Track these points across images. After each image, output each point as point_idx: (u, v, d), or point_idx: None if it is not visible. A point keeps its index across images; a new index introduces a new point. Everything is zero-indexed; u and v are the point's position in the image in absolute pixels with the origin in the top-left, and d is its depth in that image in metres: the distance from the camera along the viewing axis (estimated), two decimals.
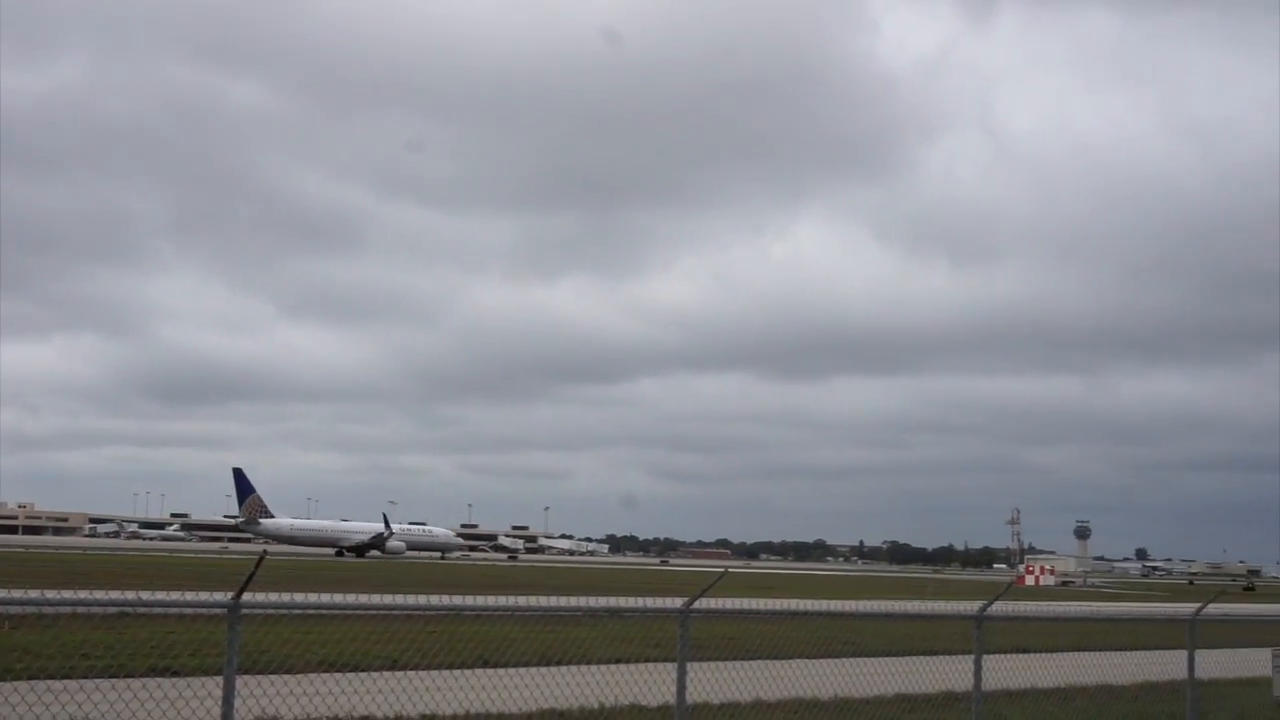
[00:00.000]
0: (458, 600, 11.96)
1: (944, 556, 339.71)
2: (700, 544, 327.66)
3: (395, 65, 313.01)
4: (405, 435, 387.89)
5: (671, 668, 11.52)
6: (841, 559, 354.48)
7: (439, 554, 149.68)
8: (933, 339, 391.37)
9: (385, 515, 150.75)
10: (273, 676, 15.33)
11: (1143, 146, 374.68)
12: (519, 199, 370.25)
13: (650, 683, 16.18)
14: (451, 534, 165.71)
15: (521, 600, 35.54)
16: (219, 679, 10.43)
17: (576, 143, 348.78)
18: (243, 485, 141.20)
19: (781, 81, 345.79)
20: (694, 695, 13.20)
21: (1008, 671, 17.05)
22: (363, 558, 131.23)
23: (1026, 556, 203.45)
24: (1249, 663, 21.41)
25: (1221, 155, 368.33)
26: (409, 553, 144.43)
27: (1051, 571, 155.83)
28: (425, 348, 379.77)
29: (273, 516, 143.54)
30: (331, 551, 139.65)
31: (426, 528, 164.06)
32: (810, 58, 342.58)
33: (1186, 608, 18.45)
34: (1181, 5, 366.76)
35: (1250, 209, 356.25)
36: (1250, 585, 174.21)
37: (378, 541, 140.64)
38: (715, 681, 15.81)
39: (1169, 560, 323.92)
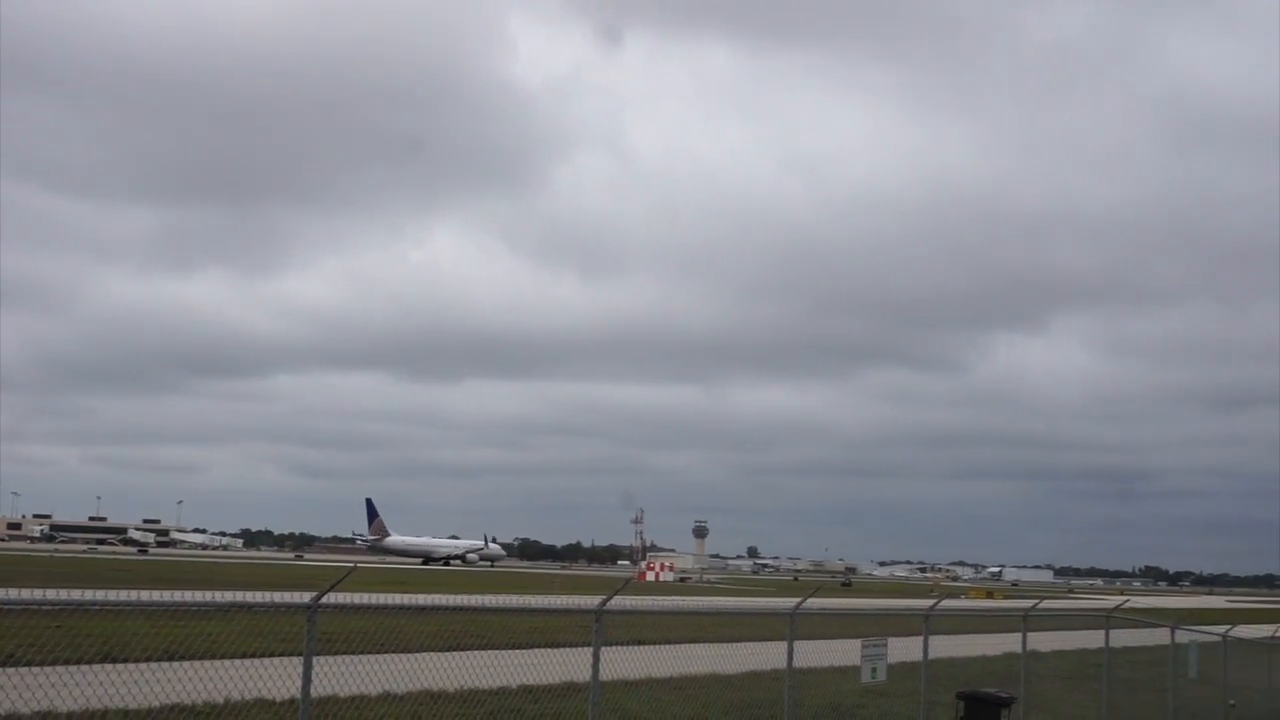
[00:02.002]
0: (88, 595, 11.28)
1: (572, 553, 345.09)
2: (336, 539, 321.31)
3: (29, 49, 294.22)
4: (29, 425, 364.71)
5: (299, 662, 11.22)
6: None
7: None
8: (562, 346, 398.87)
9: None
10: None
11: (755, 174, 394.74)
12: (157, 190, 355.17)
13: (278, 677, 15.74)
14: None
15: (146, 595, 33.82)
16: None
17: (218, 137, 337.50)
18: (371, 511, 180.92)
19: (425, 91, 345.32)
20: (322, 689, 12.92)
21: (626, 662, 17.47)
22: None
23: (648, 554, 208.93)
24: (842, 652, 22.68)
25: (823, 186, 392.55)
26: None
27: (671, 568, 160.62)
28: (53, 336, 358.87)
29: (383, 536, 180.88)
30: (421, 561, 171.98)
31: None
32: (452, 70, 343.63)
33: (788, 602, 19.37)
34: (792, 47, 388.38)
35: (847, 237, 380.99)
36: (847, 582, 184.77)
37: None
38: (344, 675, 15.52)
39: (777, 558, 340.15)
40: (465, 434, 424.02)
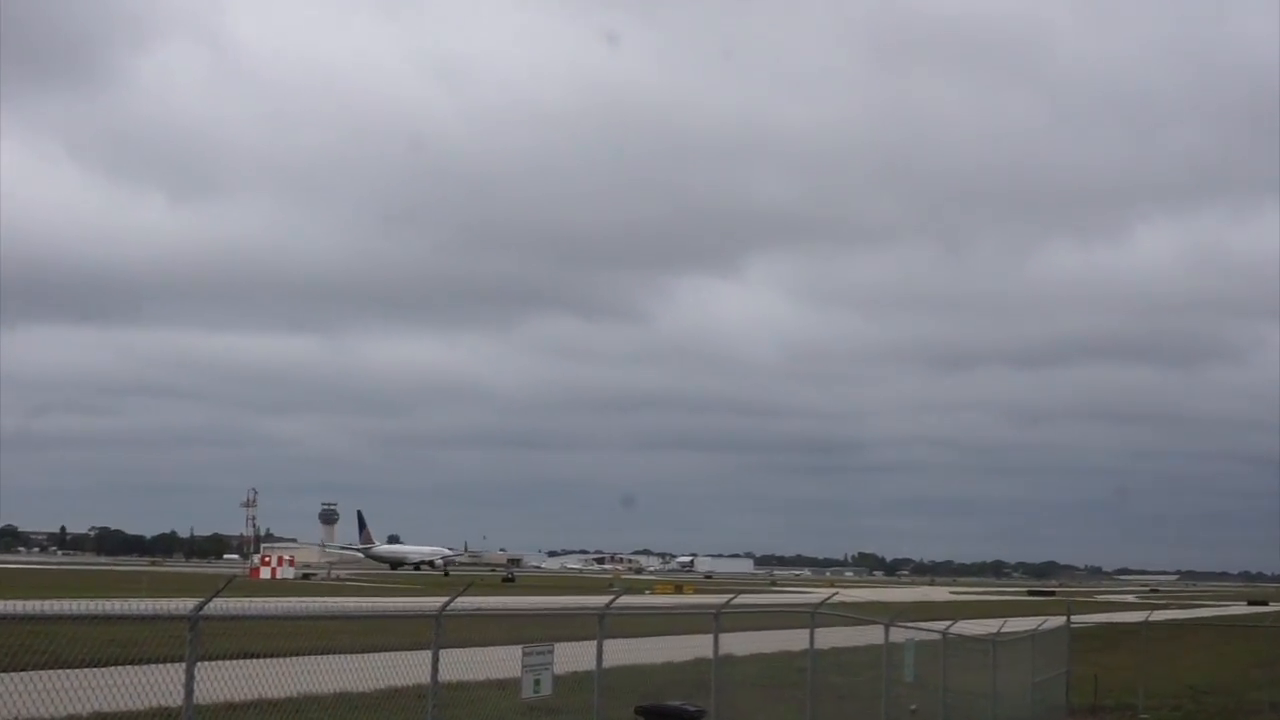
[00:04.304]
0: None
1: (166, 545, 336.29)
2: None
3: None
4: None
5: None
6: (39, 549, 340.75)
7: None
8: (147, 284, 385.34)
9: None
10: None
11: (390, 79, 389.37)
12: None
13: None
14: None
15: None
16: None
17: None
18: (362, 522, 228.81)
19: None
20: None
21: (231, 680, 17.18)
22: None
23: (263, 545, 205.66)
24: (501, 662, 22.91)
25: (474, 95, 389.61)
26: None
27: (292, 562, 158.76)
28: None
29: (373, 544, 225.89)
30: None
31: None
32: None
33: (434, 601, 19.42)
34: None
35: (504, 157, 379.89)
36: (510, 576, 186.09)
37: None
38: None
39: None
40: (18, 395, 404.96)
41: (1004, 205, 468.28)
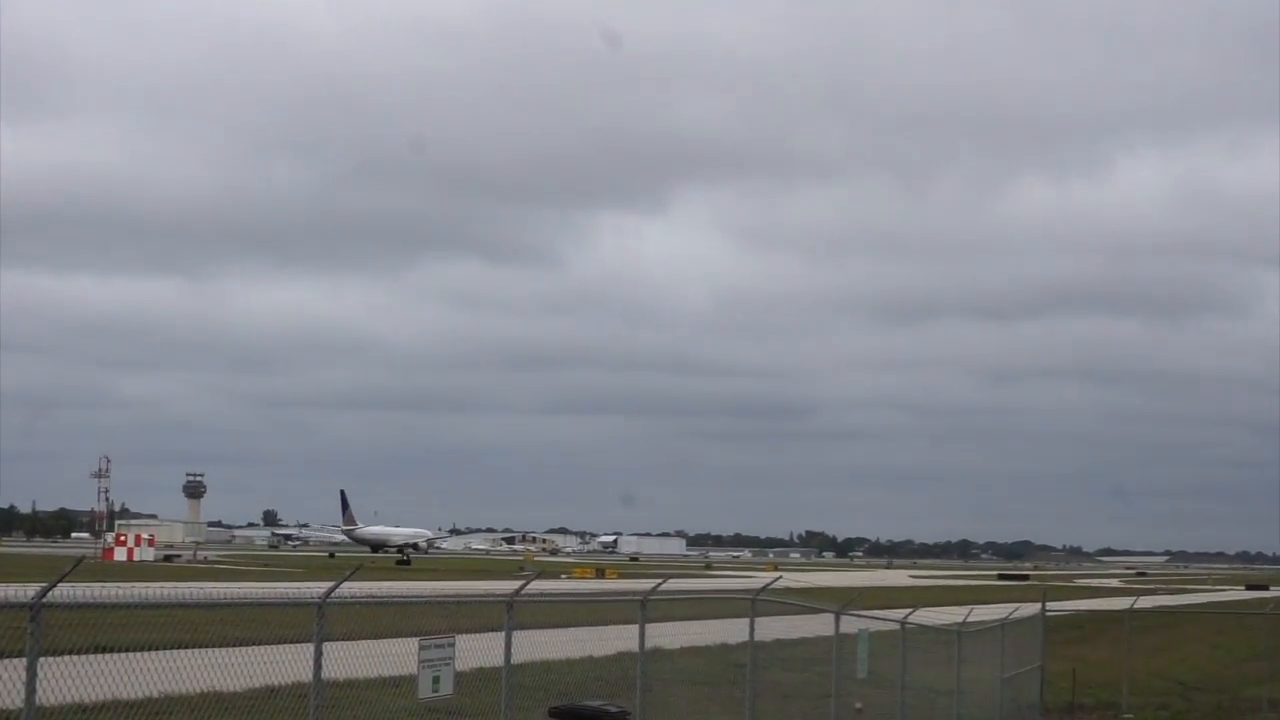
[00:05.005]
0: None
1: (4, 522, 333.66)
2: None
3: None
4: None
5: None
6: None
7: None
8: None
9: None
10: None
11: None
12: None
13: None
14: None
15: None
16: None
17: None
18: (345, 502, 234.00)
19: None
20: None
21: (80, 678, 17.04)
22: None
23: (118, 522, 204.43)
24: (396, 657, 22.89)
25: (362, 9, 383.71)
26: None
27: (152, 541, 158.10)
28: None
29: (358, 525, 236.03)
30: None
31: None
32: None
33: (318, 587, 19.36)
34: None
35: (392, 74, 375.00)
36: (405, 558, 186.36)
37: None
38: None
39: (305, 526, 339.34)
40: None
41: (968, 133, 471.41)
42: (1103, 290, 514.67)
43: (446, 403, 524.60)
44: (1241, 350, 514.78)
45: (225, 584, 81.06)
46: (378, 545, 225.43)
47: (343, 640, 18.95)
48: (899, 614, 34.70)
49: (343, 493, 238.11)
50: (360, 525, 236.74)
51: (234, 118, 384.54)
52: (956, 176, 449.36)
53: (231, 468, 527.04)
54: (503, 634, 20.56)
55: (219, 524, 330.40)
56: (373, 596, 23.98)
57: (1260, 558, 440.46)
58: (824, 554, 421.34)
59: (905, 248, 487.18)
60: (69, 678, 16.13)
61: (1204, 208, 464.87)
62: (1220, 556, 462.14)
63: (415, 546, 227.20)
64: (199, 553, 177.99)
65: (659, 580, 26.54)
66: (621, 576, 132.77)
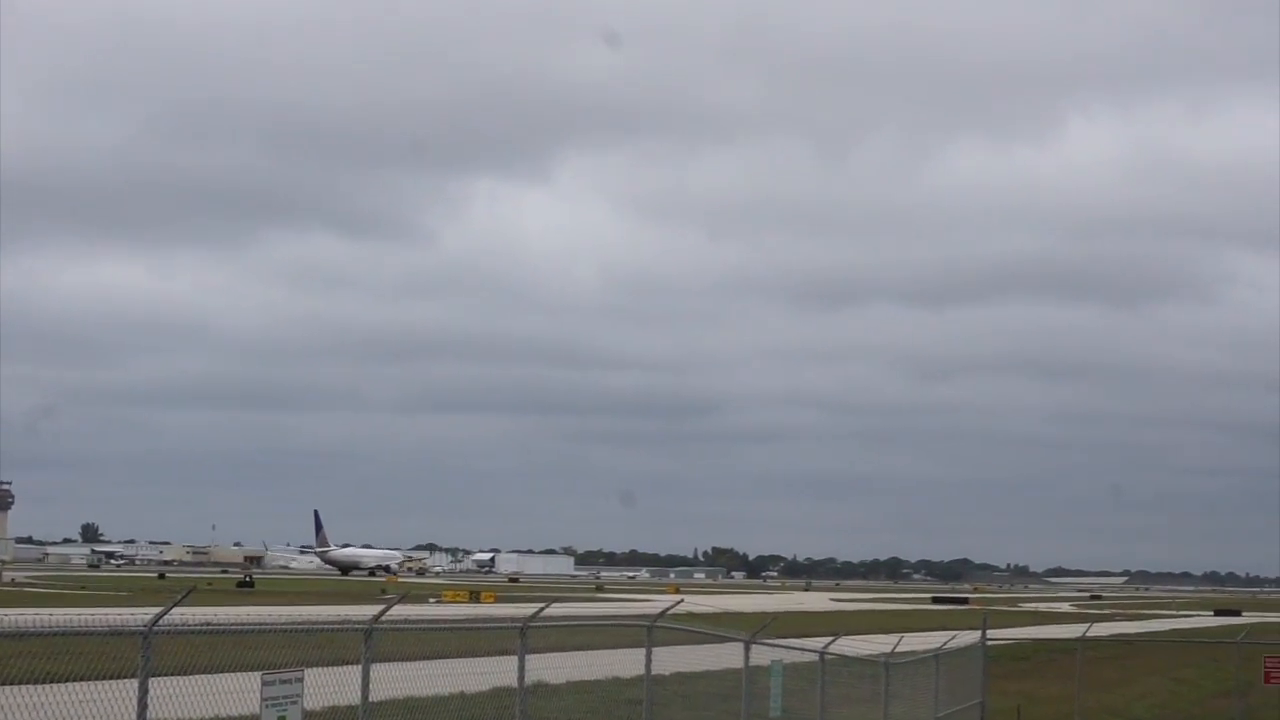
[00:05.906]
0: None
1: None
2: None
3: None
4: None
5: None
6: None
7: None
8: None
9: None
10: None
11: None
12: None
13: None
14: None
15: None
16: None
17: None
18: (318, 523, 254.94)
19: None
20: None
21: None
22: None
23: None
24: (234, 693, 22.84)
25: None
26: None
27: None
28: None
29: (330, 547, 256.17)
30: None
31: None
32: None
33: (143, 614, 19.25)
34: None
35: (223, 12, 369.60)
36: (248, 579, 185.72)
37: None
38: None
39: (132, 541, 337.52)
40: None
41: (896, 89, 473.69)
42: (1052, 272, 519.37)
43: (293, 398, 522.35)
44: (1210, 340, 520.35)
45: (35, 610, 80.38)
46: (348, 568, 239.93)
47: (173, 675, 18.88)
48: (818, 643, 34.92)
49: (316, 514, 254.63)
50: (334, 547, 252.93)
51: (37, 64, 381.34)
52: (883, 138, 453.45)
53: (43, 475, 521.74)
54: (359, 667, 20.56)
55: (29, 540, 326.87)
56: (209, 624, 23.89)
57: (1231, 579, 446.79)
58: (733, 574, 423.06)
59: (824, 221, 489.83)
60: None
61: (1167, 177, 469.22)
62: (1186, 577, 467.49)
63: (387, 568, 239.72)
64: (5, 573, 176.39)
65: (542, 604, 26.53)
66: (500, 600, 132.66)
